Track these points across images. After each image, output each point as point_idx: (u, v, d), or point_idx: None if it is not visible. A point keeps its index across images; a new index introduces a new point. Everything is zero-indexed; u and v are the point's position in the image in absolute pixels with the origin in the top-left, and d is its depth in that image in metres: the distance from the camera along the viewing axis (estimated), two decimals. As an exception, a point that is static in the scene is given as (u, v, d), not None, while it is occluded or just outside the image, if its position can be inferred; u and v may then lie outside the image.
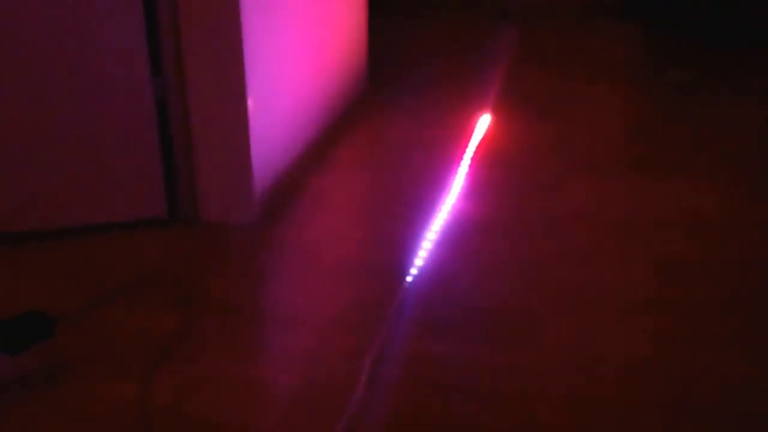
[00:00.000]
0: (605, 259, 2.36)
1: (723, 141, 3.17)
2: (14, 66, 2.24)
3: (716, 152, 3.07)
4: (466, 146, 2.98)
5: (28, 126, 2.31)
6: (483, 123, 3.17)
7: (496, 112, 3.25)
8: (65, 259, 2.31)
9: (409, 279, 2.20)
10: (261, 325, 2.11)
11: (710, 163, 2.98)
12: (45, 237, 2.38)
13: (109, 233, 2.41)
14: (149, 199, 2.45)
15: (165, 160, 2.44)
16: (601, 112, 3.51)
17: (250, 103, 2.35)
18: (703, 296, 2.17)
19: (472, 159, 2.89)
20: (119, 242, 2.39)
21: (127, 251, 2.36)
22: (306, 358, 1.94)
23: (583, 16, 4.83)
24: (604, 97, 3.68)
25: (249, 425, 1.73)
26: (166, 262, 2.32)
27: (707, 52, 4.21)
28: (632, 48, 4.48)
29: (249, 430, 1.72)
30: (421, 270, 2.25)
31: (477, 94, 3.44)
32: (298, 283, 2.27)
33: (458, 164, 2.84)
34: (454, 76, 3.83)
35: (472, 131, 3.11)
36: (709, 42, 4.31)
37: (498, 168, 2.88)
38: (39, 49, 2.24)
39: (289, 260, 2.37)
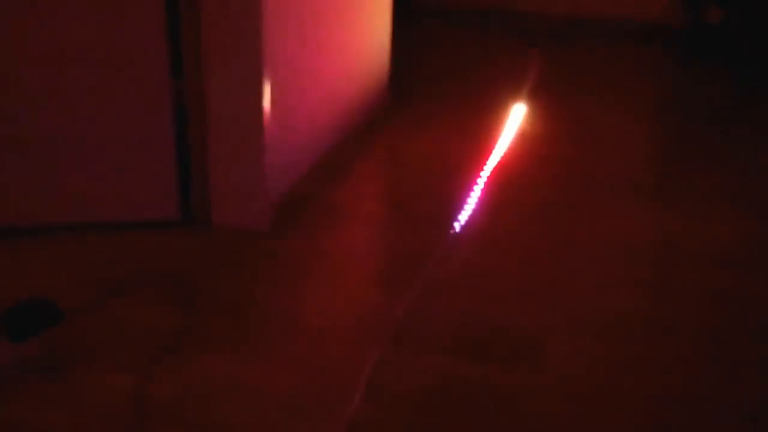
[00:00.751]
0: (612, 283, 2.34)
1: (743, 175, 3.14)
2: (36, 66, 2.28)
3: (732, 183, 3.04)
4: (484, 163, 2.96)
5: (48, 124, 2.35)
6: (504, 139, 3.14)
7: (519, 128, 3.21)
8: (78, 254, 2.35)
9: (415, 293, 2.20)
10: (265, 329, 2.11)
11: (725, 193, 2.94)
12: (60, 231, 2.42)
13: (121, 232, 2.45)
14: (163, 200, 2.48)
15: (180, 162, 2.47)
16: (624, 139, 3.48)
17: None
18: (711, 325, 2.15)
19: (489, 176, 2.87)
20: (131, 240, 2.42)
21: (139, 250, 2.39)
22: (306, 364, 1.95)
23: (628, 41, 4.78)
24: (630, 125, 3.65)
25: (246, 424, 1.74)
26: (176, 262, 2.34)
27: (746, 87, 4.16)
28: (670, 78, 4.44)
29: (242, 428, 1.73)
30: (429, 285, 2.24)
31: (500, 110, 3.41)
32: (305, 291, 2.27)
33: (475, 180, 2.82)
34: (478, 92, 3.82)
35: (492, 147, 3.08)
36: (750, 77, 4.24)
37: (513, 186, 2.86)
38: (61, 50, 2.28)
39: (298, 268, 2.38)
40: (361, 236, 2.60)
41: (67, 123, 2.35)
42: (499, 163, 2.95)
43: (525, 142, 3.09)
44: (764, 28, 4.32)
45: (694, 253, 2.50)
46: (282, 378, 1.90)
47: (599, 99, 3.87)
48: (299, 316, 2.15)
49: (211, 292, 2.21)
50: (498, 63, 4.17)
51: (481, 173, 2.85)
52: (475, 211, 2.63)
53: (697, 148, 3.36)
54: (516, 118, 3.32)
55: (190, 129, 2.46)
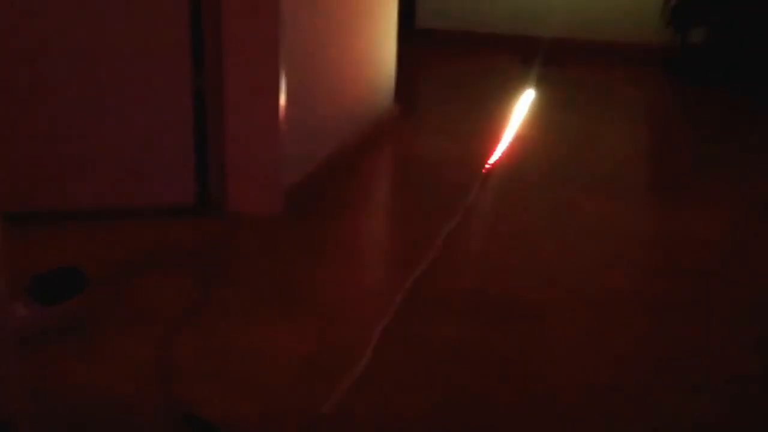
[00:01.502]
0: (609, 263, 2.47)
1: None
2: (63, 57, 2.39)
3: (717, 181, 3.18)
4: (486, 161, 3.08)
5: (73, 115, 2.46)
6: (504, 142, 3.27)
7: (516, 137, 3.36)
8: (102, 235, 2.45)
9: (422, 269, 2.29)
10: (279, 300, 2.19)
11: (713, 191, 3.07)
12: (84, 216, 2.52)
13: (142, 216, 2.54)
14: (181, 187, 2.58)
15: (198, 151, 2.57)
16: (618, 146, 3.61)
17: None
18: (697, 301, 2.27)
19: (492, 170, 2.99)
20: (152, 224, 2.52)
21: (160, 232, 2.49)
22: (318, 331, 2.04)
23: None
24: (623, 134, 3.78)
25: (262, 382, 1.83)
26: (195, 242, 2.44)
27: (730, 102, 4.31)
28: (659, 96, 4.60)
29: (261, 385, 1.81)
30: (432, 263, 2.34)
31: (496, 120, 3.56)
32: (316, 268, 2.37)
33: (477, 176, 2.94)
34: (477, 104, 3.96)
35: (493, 149, 3.20)
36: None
37: (514, 179, 2.99)
38: (87, 43, 2.40)
39: (309, 248, 2.48)
40: (369, 223, 2.71)
41: (92, 115, 2.46)
42: (500, 159, 3.09)
43: (524, 145, 3.25)
44: (745, 48, 4.50)
45: (686, 240, 2.63)
46: (295, 343, 1.99)
47: (593, 113, 4.02)
48: (311, 289, 2.25)
49: (229, 267, 2.31)
50: (495, 80, 4.33)
51: (484, 169, 2.98)
52: (480, 199, 2.76)
53: (686, 154, 3.51)
54: (514, 122, 3.46)
55: (209, 120, 2.57)
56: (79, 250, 2.36)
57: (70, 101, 2.44)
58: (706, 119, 4.02)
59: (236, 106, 2.54)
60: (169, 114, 2.51)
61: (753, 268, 2.46)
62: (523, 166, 3.09)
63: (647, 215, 2.83)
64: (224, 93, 2.53)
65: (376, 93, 3.52)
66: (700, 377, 1.89)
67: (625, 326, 2.12)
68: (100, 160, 2.51)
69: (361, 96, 3.33)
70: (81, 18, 2.37)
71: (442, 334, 2.03)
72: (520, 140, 3.28)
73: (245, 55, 2.48)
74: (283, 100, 2.53)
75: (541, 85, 4.16)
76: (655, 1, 4.85)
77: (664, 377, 1.89)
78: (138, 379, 1.80)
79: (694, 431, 1.72)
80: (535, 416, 1.74)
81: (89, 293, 2.03)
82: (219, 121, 2.56)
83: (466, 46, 5.05)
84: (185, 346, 1.93)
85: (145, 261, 2.30)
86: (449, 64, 4.74)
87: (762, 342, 2.06)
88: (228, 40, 2.47)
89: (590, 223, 2.73)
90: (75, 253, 2.33)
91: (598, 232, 2.66)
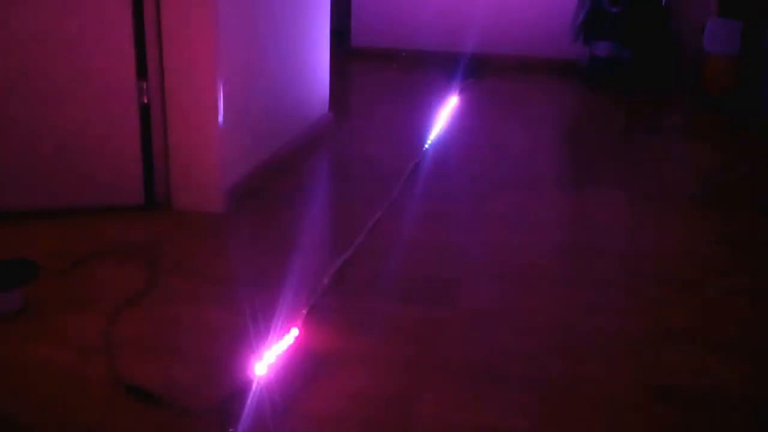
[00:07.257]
0: (522, 244, 2.54)
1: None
2: (20, 69, 2.41)
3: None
4: (413, 162, 3.16)
5: (32, 123, 2.47)
6: (428, 144, 3.35)
7: (440, 140, 3.44)
8: (54, 232, 2.44)
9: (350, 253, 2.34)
10: (216, 282, 2.21)
11: (613, 180, 3.18)
12: (38, 215, 2.52)
13: (93, 215, 2.54)
14: (130, 188, 2.59)
15: (145, 154, 2.58)
16: (531, 143, 3.72)
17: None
18: (602, 273, 2.36)
19: (416, 170, 3.06)
20: (102, 221, 2.52)
21: (109, 228, 2.49)
22: (251, 309, 2.04)
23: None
24: (536, 132, 3.89)
25: (197, 349, 1.85)
26: (141, 236, 2.45)
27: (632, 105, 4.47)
28: (573, 100, 4.73)
29: (197, 356, 1.83)
30: (358, 250, 2.39)
31: (425, 122, 3.63)
32: (251, 255, 2.39)
33: (404, 173, 3.00)
34: (404, 113, 4.04)
35: (419, 151, 3.28)
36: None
37: (439, 176, 3.06)
38: (41, 55, 2.41)
39: (245, 239, 2.50)
40: (302, 215, 2.74)
41: (49, 123, 2.47)
42: (424, 159, 3.16)
43: (447, 147, 3.33)
44: (642, 58, 4.69)
45: (589, 222, 2.74)
46: (230, 320, 2.01)
47: (510, 118, 4.13)
48: (247, 274, 2.26)
49: (174, 258, 2.32)
50: (421, 91, 4.41)
51: (408, 168, 3.04)
52: (402, 194, 2.82)
53: (588, 151, 3.62)
54: (438, 127, 3.54)
55: (154, 128, 2.58)
56: (34, 244, 2.35)
57: (28, 112, 2.45)
58: (607, 120, 4.16)
59: (178, 116, 2.56)
60: (118, 123, 2.52)
61: (638, 244, 2.56)
62: (446, 164, 3.16)
63: (554, 203, 2.93)
64: (167, 104, 2.55)
65: (311, 101, 3.57)
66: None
67: (534, 295, 2.20)
68: (56, 164, 2.51)
69: (296, 104, 3.37)
70: (37, 31, 2.39)
71: (364, 308, 2.07)
72: (443, 142, 3.36)
73: (185, 69, 2.51)
74: (221, 108, 2.55)
75: (465, 94, 4.26)
76: (565, 19, 5.02)
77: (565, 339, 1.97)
78: (84, 353, 1.80)
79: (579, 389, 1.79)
80: (449, 375, 1.80)
81: (41, 282, 2.02)
82: (163, 129, 2.58)
83: (399, 62, 5.14)
84: (129, 323, 1.94)
85: (97, 253, 2.30)
86: (380, 77, 4.81)
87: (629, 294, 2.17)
88: (169, 53, 2.50)
89: (506, 211, 2.81)
90: (30, 245, 2.32)
91: (512, 216, 2.74)
